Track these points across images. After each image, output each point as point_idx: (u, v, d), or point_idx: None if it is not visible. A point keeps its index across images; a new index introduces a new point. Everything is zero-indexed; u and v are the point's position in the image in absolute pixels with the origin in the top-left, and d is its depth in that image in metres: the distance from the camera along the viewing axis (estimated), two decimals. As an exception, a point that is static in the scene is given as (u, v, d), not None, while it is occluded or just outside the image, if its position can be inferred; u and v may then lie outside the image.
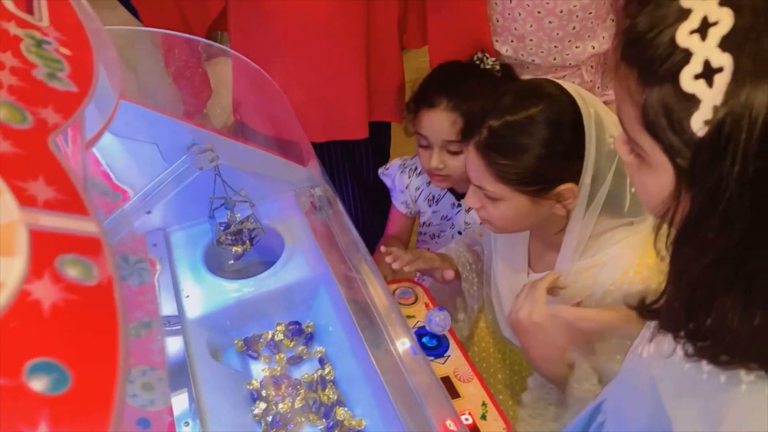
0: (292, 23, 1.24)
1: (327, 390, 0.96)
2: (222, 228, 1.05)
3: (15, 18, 0.41)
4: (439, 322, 0.93)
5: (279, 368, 1.01)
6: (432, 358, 0.97)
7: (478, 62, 1.24)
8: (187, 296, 1.03)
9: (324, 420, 0.93)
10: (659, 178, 0.53)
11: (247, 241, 1.07)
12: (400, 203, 1.41)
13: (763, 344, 0.50)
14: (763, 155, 0.44)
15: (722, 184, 0.46)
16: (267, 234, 1.11)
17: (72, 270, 0.29)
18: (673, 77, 0.47)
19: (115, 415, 0.27)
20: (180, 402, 0.88)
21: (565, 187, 0.88)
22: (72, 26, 0.47)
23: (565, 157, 0.87)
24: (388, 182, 1.39)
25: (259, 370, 1.02)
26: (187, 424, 0.85)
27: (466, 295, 1.18)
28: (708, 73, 0.45)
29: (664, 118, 0.49)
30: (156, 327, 0.96)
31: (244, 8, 1.29)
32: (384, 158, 1.57)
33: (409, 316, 1.04)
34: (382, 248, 1.15)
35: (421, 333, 1.00)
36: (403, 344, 0.91)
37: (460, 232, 1.34)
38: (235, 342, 1.05)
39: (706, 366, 0.55)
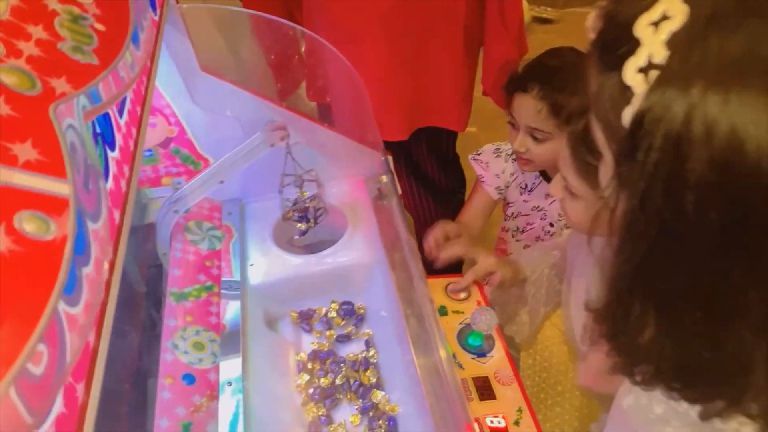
0: (348, 17, 1.25)
1: (368, 372, 0.98)
2: (289, 204, 1.09)
3: (58, -6, 0.45)
4: (484, 321, 0.92)
5: (327, 344, 1.04)
6: (474, 356, 0.96)
7: None
8: (252, 264, 1.09)
9: (361, 400, 0.96)
10: (604, 169, 0.50)
11: (312, 219, 1.11)
12: (493, 188, 1.36)
13: (676, 358, 0.47)
14: (675, 163, 0.41)
15: (636, 184, 0.43)
16: (332, 214, 1.14)
17: (29, 225, 0.32)
18: (621, 66, 0.45)
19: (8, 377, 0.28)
20: (229, 364, 0.93)
21: None
22: (116, 3, 0.51)
23: None
24: (478, 168, 1.36)
25: (308, 343, 1.05)
26: (230, 384, 0.90)
27: (530, 299, 1.15)
28: (648, 67, 0.43)
29: (609, 107, 0.47)
30: (216, 291, 1.02)
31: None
32: (449, 162, 1.56)
33: (458, 311, 1.04)
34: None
35: (467, 330, 0.99)
36: (440, 342, 0.91)
37: (552, 224, 1.31)
38: (291, 313, 1.09)
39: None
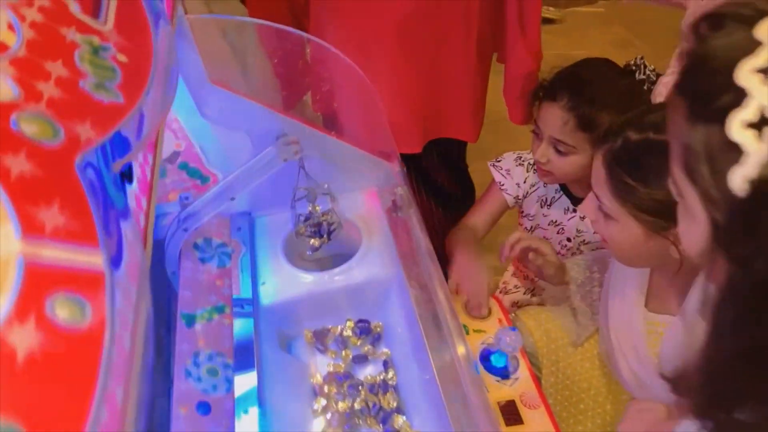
0: (361, 25, 1.21)
1: (388, 395, 0.95)
2: (302, 219, 1.06)
3: (76, 22, 0.41)
4: (509, 342, 0.89)
5: (344, 365, 1.01)
6: (498, 378, 0.93)
7: (633, 68, 1.13)
8: (263, 283, 1.05)
9: (381, 425, 0.92)
10: (694, 227, 0.46)
11: (326, 235, 1.07)
12: (510, 195, 1.31)
13: None
14: None
15: (758, 258, 0.39)
16: (346, 227, 1.10)
17: (62, 311, 0.28)
18: (722, 119, 0.40)
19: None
20: (243, 388, 0.90)
21: None
22: (138, 29, 0.47)
23: None
24: (498, 175, 1.31)
25: (324, 364, 1.02)
26: (246, 412, 0.86)
27: (580, 302, 1.12)
28: (762, 123, 0.38)
29: (705, 165, 0.42)
30: (228, 312, 0.98)
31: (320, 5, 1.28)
32: (460, 172, 1.52)
33: (479, 330, 1.00)
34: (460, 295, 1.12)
35: (489, 350, 0.95)
36: (465, 362, 0.88)
37: (569, 239, 1.27)
38: (305, 333, 1.05)
39: None
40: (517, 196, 1.30)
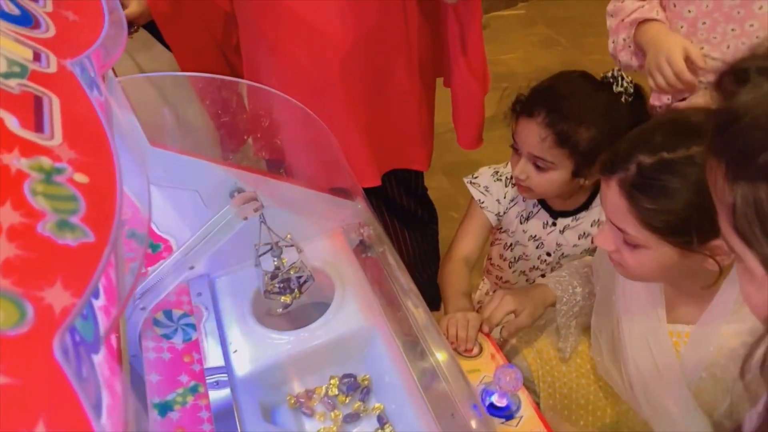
0: (301, 66, 1.16)
1: (388, 455, 0.89)
2: (269, 278, 0.98)
3: (19, 143, 0.33)
4: (509, 381, 0.84)
5: (335, 428, 0.94)
6: (502, 420, 0.88)
7: (611, 80, 1.08)
8: (235, 351, 0.97)
9: (386, 490, 0.86)
10: (758, 289, 0.43)
11: (296, 289, 1.00)
12: (492, 212, 1.26)
13: None
14: None
15: None
16: (316, 276, 1.04)
17: None
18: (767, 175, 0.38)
19: None
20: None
21: (721, 243, 0.73)
22: (91, 135, 0.39)
23: None
24: (476, 193, 1.25)
25: (313, 429, 0.95)
26: (240, 505, 0.78)
27: (562, 317, 1.09)
28: None
29: (758, 226, 0.40)
30: (203, 391, 0.90)
31: (249, 41, 1.21)
32: (420, 196, 1.48)
33: (473, 370, 0.96)
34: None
35: (489, 391, 0.91)
36: (468, 405, 0.83)
37: (549, 254, 1.24)
38: (288, 398, 0.98)
39: None
40: (498, 213, 1.26)
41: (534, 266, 1.28)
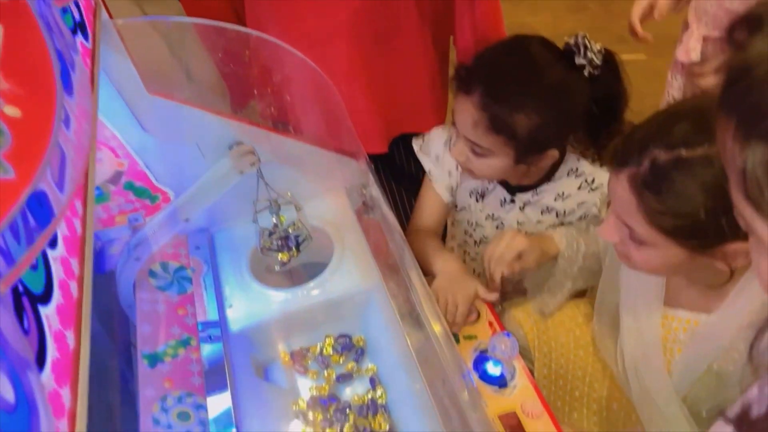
0: (307, 28, 1.11)
1: (378, 417, 0.88)
2: (266, 234, 0.97)
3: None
4: (504, 349, 0.82)
5: (327, 387, 0.93)
6: (496, 387, 0.87)
7: (573, 50, 0.91)
8: (230, 306, 0.96)
9: (374, 452, 0.85)
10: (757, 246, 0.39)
11: (294, 247, 0.99)
12: (444, 188, 1.12)
13: None
14: None
15: None
16: (315, 236, 1.02)
17: None
18: None
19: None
20: (219, 427, 0.82)
21: (737, 247, 0.70)
22: (34, 69, 0.37)
23: None
24: (425, 162, 1.12)
25: (306, 387, 0.94)
26: (225, 457, 0.78)
27: (559, 272, 1.03)
28: None
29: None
30: (195, 345, 0.90)
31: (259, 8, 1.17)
32: None
33: (469, 336, 0.94)
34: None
35: (483, 358, 0.89)
36: (459, 373, 0.81)
37: None
38: (281, 355, 0.97)
39: None
40: (452, 187, 1.12)
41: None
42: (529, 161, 0.97)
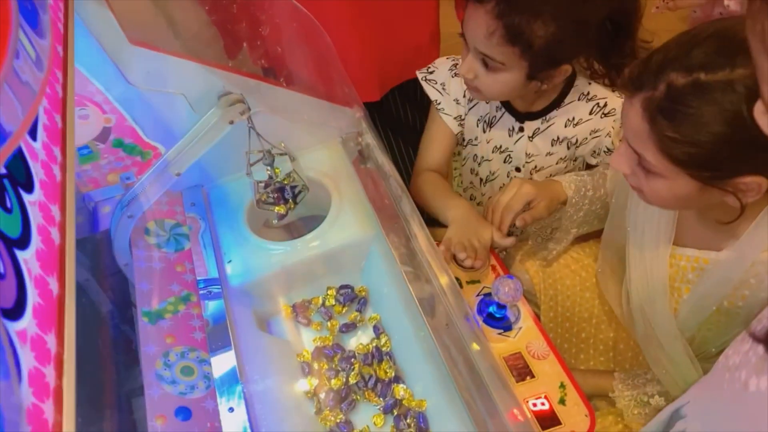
0: None
1: (383, 364, 0.88)
2: (261, 186, 0.95)
3: None
4: (508, 292, 0.81)
5: (331, 337, 0.92)
6: (500, 330, 0.86)
7: None
8: (230, 261, 0.95)
9: (381, 399, 0.85)
10: None
11: (291, 200, 0.97)
12: (453, 119, 1.07)
13: None
14: None
15: None
16: (312, 187, 1.00)
17: None
18: None
19: None
20: (224, 383, 0.81)
21: (749, 180, 0.67)
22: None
23: (758, 143, 0.64)
24: (432, 92, 1.08)
25: (309, 339, 0.93)
26: (231, 410, 0.78)
27: (565, 218, 1.01)
28: None
29: None
30: (195, 300, 0.89)
31: None
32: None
33: (473, 281, 0.93)
34: (444, 249, 0.96)
35: (487, 301, 0.88)
36: (463, 317, 0.80)
37: (518, 169, 1.10)
38: (283, 308, 0.96)
39: None
40: (459, 116, 1.07)
41: (503, 186, 1.09)
42: (542, 77, 0.92)
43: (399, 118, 1.35)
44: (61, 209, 0.44)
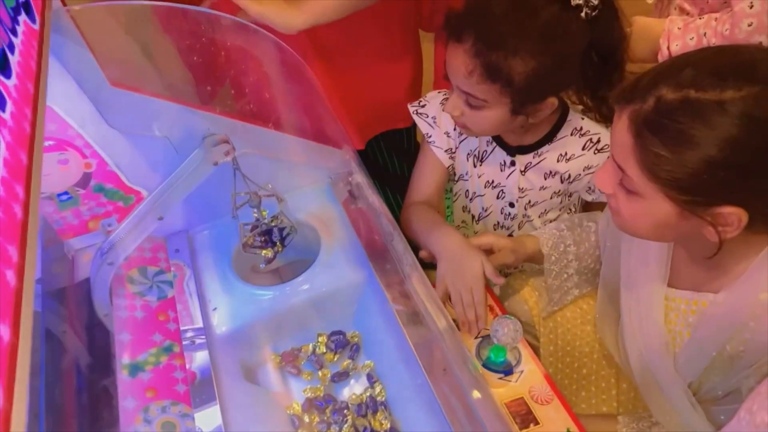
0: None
1: (378, 415, 0.83)
2: (248, 229, 0.91)
3: None
4: (507, 333, 0.77)
5: (322, 387, 0.88)
6: (501, 375, 0.81)
7: None
8: (215, 309, 0.91)
9: (376, 452, 0.80)
10: None
11: (278, 242, 0.93)
12: (443, 151, 1.05)
13: None
14: None
15: None
16: (300, 229, 0.96)
17: None
18: None
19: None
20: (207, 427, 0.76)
21: (729, 211, 0.64)
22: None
23: (744, 172, 0.62)
24: (423, 125, 1.06)
25: (300, 389, 0.89)
26: (216, 468, 0.72)
27: (549, 276, 0.98)
28: None
29: None
30: (179, 351, 0.84)
31: None
32: (413, 154, 1.27)
33: (470, 323, 0.88)
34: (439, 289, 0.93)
35: (486, 345, 0.84)
36: (462, 362, 0.76)
37: (512, 204, 1.06)
38: (272, 357, 0.92)
39: None
40: (450, 149, 1.05)
41: (498, 223, 1.08)
42: (527, 111, 0.91)
43: (386, 166, 1.33)
44: (19, 250, 0.41)
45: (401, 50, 1.18)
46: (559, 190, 1.03)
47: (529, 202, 1.05)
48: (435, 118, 1.05)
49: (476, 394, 0.72)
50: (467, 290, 0.89)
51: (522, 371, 0.81)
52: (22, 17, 0.58)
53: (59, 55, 0.76)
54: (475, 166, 1.06)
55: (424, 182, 1.09)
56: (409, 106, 1.08)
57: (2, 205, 0.41)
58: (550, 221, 1.06)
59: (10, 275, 0.38)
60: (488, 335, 0.84)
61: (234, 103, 0.96)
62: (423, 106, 1.07)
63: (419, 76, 1.25)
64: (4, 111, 0.47)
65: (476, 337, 0.87)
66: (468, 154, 1.05)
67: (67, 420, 0.75)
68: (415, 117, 1.07)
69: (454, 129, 1.04)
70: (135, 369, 0.81)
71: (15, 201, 0.43)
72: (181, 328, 0.87)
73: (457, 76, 0.90)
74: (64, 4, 0.75)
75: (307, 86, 0.99)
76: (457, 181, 1.11)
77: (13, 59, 0.53)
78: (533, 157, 1.01)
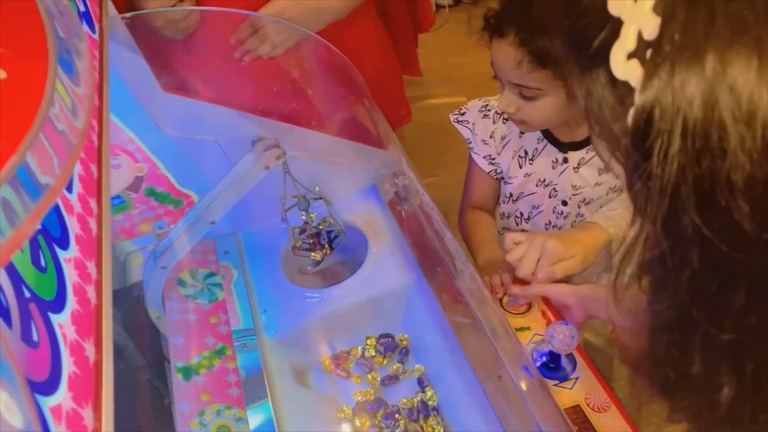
0: None
1: (431, 420, 0.82)
2: (296, 232, 0.91)
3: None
4: (563, 339, 0.76)
5: (372, 391, 0.87)
6: (555, 381, 0.80)
7: None
8: (265, 311, 0.91)
9: (429, 457, 0.79)
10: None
11: (326, 245, 0.93)
12: (482, 158, 1.06)
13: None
14: (707, 165, 0.30)
15: (658, 206, 0.33)
16: (348, 232, 0.96)
17: None
18: (606, 58, 0.34)
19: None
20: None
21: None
22: (24, 23, 0.32)
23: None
24: (465, 131, 1.07)
25: (350, 392, 0.88)
26: (271, 472, 0.73)
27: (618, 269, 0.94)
28: (641, 48, 0.32)
29: (608, 116, 0.36)
30: (231, 354, 0.85)
31: None
32: None
33: (522, 328, 0.87)
34: (489, 278, 0.94)
35: (540, 351, 0.82)
36: (517, 365, 0.75)
37: (565, 203, 1.03)
38: (322, 360, 0.92)
39: None
40: (490, 156, 1.05)
41: (548, 223, 1.06)
42: None
43: None
44: (97, 265, 0.41)
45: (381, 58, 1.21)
46: (615, 186, 1.00)
47: (584, 199, 1.02)
48: (474, 125, 1.06)
49: (534, 399, 0.71)
50: (539, 243, 0.88)
51: (577, 378, 0.80)
52: (85, 28, 0.59)
53: (113, 62, 0.77)
54: (521, 167, 1.04)
55: (473, 186, 1.12)
56: (450, 115, 1.09)
57: (80, 221, 0.41)
58: None
59: (91, 292, 0.38)
60: (542, 341, 0.83)
61: (281, 106, 0.96)
62: (463, 114, 1.08)
63: (401, 80, 1.30)
64: (76, 120, 0.47)
65: (529, 343, 0.85)
66: (514, 155, 1.04)
67: (124, 426, 0.76)
68: (456, 125, 1.08)
69: (490, 136, 1.04)
70: (189, 372, 0.81)
71: (90, 215, 0.43)
72: (232, 329, 0.88)
73: (505, 70, 0.89)
74: (119, 12, 0.75)
75: (352, 86, 0.98)
76: (506, 185, 1.09)
77: (81, 65, 0.53)
78: (586, 153, 0.98)
